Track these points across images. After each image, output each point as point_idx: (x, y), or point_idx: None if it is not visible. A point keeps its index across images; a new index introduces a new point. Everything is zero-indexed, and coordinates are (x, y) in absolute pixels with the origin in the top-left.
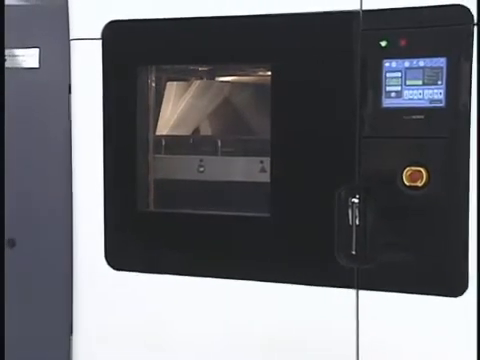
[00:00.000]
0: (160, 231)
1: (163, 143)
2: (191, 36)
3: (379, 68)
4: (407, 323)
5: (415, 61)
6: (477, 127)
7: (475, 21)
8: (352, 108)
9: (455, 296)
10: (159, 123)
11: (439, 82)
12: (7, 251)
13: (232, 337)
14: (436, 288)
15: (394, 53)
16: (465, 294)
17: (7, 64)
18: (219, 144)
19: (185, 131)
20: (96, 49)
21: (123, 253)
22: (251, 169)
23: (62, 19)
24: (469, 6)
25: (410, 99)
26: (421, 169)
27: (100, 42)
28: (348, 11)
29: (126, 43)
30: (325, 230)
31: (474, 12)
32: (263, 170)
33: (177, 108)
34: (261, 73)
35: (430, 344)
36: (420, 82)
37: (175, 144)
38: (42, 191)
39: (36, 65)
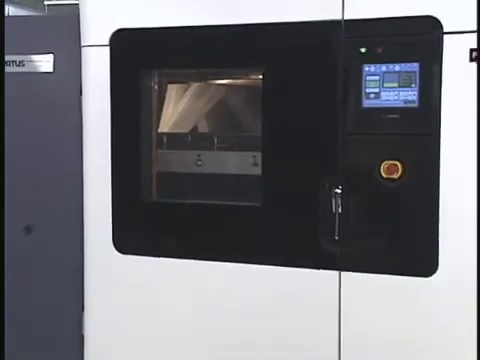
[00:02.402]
0: (162, 219)
1: (165, 140)
2: (189, 43)
3: (359, 72)
4: (384, 301)
5: (391, 66)
6: (477, 127)
7: (444, 30)
8: (335, 108)
9: (426, 276)
10: (161, 122)
11: (413, 85)
12: (25, 237)
13: (226, 315)
14: (410, 269)
15: (373, 59)
16: (435, 274)
17: (25, 69)
18: (215, 140)
19: (184, 129)
20: (105, 55)
21: (128, 238)
22: (244, 163)
23: (74, 28)
24: (438, 17)
25: (387, 100)
26: (397, 163)
27: (108, 48)
28: (331, 21)
29: (131, 49)
30: (311, 218)
31: (443, 22)
32: (255, 164)
33: (177, 108)
34: (253, 76)
35: (405, 319)
36: (396, 85)
37: (175, 140)
38: (56, 183)
39: (50, 70)
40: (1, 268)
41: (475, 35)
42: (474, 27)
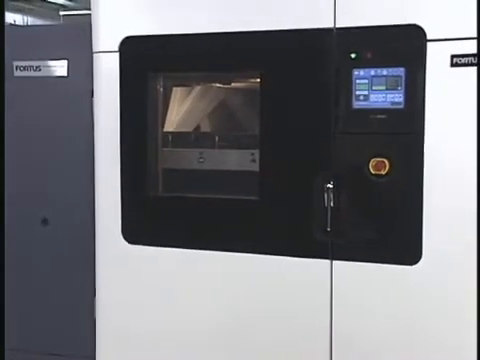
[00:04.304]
0: (167, 211)
1: (170, 138)
2: (192, 49)
3: (350, 76)
4: (372, 287)
5: (379, 70)
6: (477, 128)
7: (427, 38)
8: (328, 109)
9: (411, 264)
10: (166, 122)
11: (399, 88)
12: (42, 228)
13: (224, 300)
14: (396, 258)
15: (362, 63)
16: (419, 263)
17: (41, 73)
18: (216, 139)
19: (188, 128)
20: (114, 60)
21: (136, 229)
22: (243, 160)
23: (87, 36)
24: (422, 26)
25: (375, 101)
26: (384, 160)
27: (118, 54)
28: (324, 28)
29: (139, 55)
30: (305, 211)
31: (426, 30)
32: (253, 161)
33: (181, 109)
34: (252, 80)
35: (391, 303)
36: (384, 87)
37: (179, 139)
38: (70, 177)
39: (65, 74)
40: (1, 267)
41: (456, 42)
42: (455, 35)
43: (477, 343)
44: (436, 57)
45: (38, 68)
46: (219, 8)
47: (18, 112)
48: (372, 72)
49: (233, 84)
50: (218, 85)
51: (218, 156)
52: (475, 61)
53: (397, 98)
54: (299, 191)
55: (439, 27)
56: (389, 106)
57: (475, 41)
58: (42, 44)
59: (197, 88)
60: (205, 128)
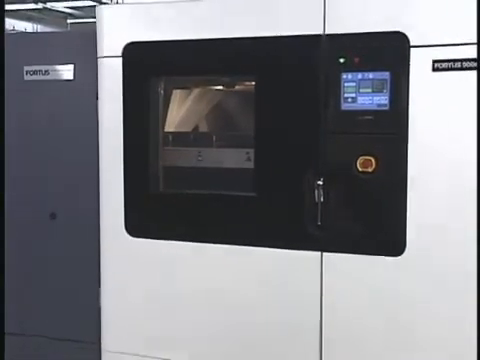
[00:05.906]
0: (168, 207)
1: (170, 138)
2: (192, 54)
3: (338, 79)
4: (359, 276)
5: (366, 74)
6: (477, 130)
7: (411, 44)
8: (318, 110)
9: (396, 256)
10: (167, 122)
11: (384, 90)
12: (50, 222)
13: (222, 289)
14: (382, 249)
15: (350, 68)
16: (403, 254)
17: (49, 77)
18: (214, 139)
19: (187, 128)
20: (118, 65)
21: (139, 224)
22: (239, 158)
23: (92, 42)
24: (406, 33)
25: (362, 103)
26: (371, 158)
27: (121, 59)
28: (314, 35)
29: (141, 60)
30: (297, 206)
31: (410, 37)
32: (248, 159)
33: (181, 110)
34: (247, 83)
35: (377, 292)
36: (370, 90)
37: (179, 139)
38: (76, 175)
39: (71, 78)
40: (1, 265)
41: (437, 48)
42: (436, 42)
43: (477, 342)
44: (419, 62)
45: (47, 72)
46: (216, 16)
47: (28, 113)
48: (359, 76)
49: (230, 87)
50: (215, 88)
51: (215, 155)
52: (455, 66)
53: (383, 100)
54: (291, 187)
55: (422, 34)
56: (375, 108)
57: (455, 47)
58: (50, 50)
59: (196, 91)
60: (203, 128)
